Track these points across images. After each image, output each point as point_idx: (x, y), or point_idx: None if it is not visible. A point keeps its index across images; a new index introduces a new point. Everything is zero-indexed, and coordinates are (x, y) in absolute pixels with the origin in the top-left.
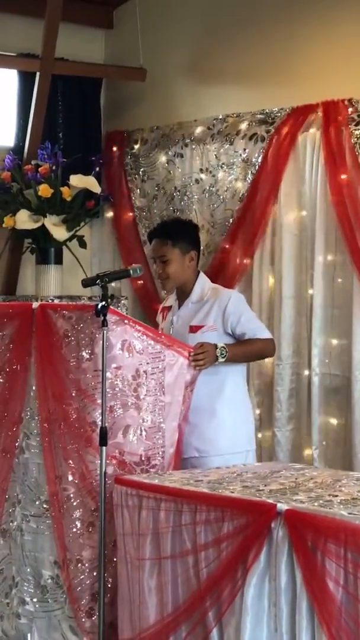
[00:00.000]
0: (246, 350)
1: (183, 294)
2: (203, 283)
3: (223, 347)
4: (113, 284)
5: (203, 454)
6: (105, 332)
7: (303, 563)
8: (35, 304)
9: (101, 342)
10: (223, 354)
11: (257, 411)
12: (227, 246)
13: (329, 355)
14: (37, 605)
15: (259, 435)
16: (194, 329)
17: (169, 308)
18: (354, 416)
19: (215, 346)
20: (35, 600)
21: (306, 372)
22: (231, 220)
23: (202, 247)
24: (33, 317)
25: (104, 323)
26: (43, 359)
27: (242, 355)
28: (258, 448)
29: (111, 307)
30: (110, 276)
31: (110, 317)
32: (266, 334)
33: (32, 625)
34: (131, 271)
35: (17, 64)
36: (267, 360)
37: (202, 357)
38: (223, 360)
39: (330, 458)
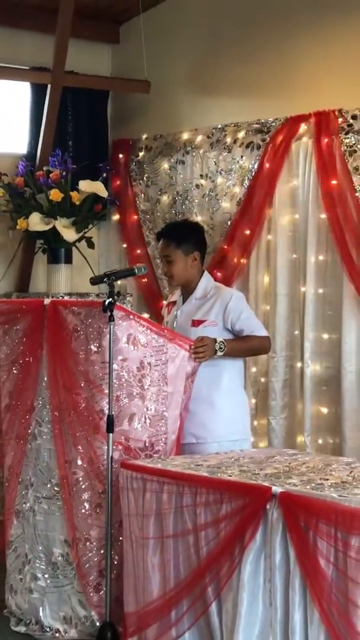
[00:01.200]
0: (243, 346)
1: (187, 291)
2: (207, 281)
3: (222, 341)
4: (119, 282)
5: (200, 440)
6: (112, 326)
7: (296, 542)
8: (46, 301)
9: (108, 336)
10: (222, 348)
11: (253, 400)
12: (225, 246)
13: (320, 348)
14: (48, 581)
15: (255, 422)
16: (196, 323)
17: (174, 303)
18: (344, 405)
19: (215, 340)
20: (46, 576)
21: (299, 364)
22: (229, 222)
23: None
24: (44, 313)
25: (111, 318)
26: (54, 351)
27: (239, 350)
28: (254, 434)
29: (117, 303)
30: (116, 274)
31: (117, 313)
32: (263, 332)
33: (44, 599)
34: (136, 270)
35: (29, 76)
36: None
37: (202, 350)
38: (221, 354)
39: (322, 444)
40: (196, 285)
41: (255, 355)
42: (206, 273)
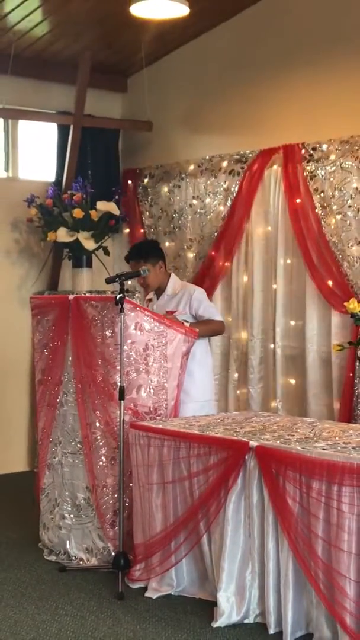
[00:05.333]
0: (204, 327)
1: (160, 290)
2: (174, 281)
3: (185, 321)
4: (129, 282)
5: (181, 402)
6: (122, 316)
7: (269, 485)
8: (71, 297)
9: (119, 324)
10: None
11: (236, 374)
12: (212, 253)
13: (289, 332)
14: (73, 520)
15: (237, 392)
16: (169, 313)
17: (150, 300)
18: (307, 377)
19: (181, 323)
20: (72, 516)
21: (271, 345)
22: (215, 234)
23: (193, 255)
24: (69, 306)
25: (122, 310)
26: (77, 336)
27: (201, 330)
28: (236, 401)
29: (127, 298)
30: (126, 275)
31: (126, 306)
32: (218, 317)
33: (70, 534)
34: (141, 272)
35: (56, 119)
36: (243, 335)
37: None
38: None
39: (290, 408)
40: (166, 286)
41: (214, 335)
42: (172, 275)
